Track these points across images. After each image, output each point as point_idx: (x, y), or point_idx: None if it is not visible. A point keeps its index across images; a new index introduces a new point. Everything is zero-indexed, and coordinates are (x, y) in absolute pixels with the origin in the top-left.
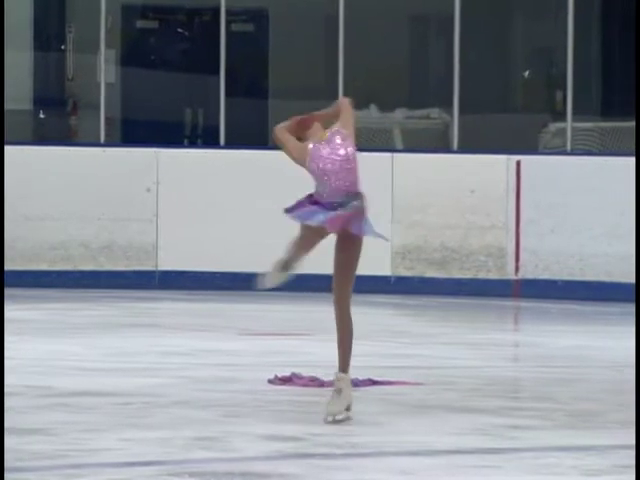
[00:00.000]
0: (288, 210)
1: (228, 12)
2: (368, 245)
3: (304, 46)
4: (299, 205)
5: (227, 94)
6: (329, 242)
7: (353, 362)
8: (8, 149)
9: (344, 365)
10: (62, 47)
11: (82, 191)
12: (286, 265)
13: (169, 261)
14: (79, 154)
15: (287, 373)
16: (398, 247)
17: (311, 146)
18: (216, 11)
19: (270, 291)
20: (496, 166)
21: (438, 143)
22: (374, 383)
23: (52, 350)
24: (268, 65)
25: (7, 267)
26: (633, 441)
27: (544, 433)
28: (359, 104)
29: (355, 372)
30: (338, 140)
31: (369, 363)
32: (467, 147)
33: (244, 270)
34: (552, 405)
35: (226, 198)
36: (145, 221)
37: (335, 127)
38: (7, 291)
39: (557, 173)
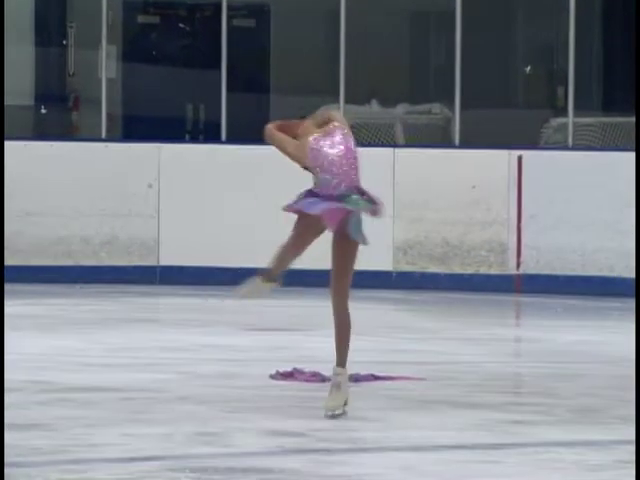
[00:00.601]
0: (289, 206)
1: (229, 7)
2: (370, 240)
3: (305, 41)
4: (299, 199)
5: (228, 89)
6: (330, 238)
7: (355, 358)
8: (10, 144)
9: (342, 360)
10: (63, 42)
11: (83, 186)
12: (270, 276)
13: (170, 256)
14: (80, 149)
15: (289, 368)
16: (399, 242)
17: (312, 139)
18: (217, 6)
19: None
20: (497, 161)
21: (439, 138)
22: (376, 378)
23: (53, 345)
24: (269, 60)
25: (8, 262)
26: (634, 437)
27: (546, 428)
28: (360, 99)
29: (357, 367)
30: (339, 135)
31: (371, 358)
32: (468, 142)
33: (246, 265)
34: (554, 400)
35: (228, 193)
36: (146, 216)
37: (335, 124)
38: (8, 286)
39: (558, 168)
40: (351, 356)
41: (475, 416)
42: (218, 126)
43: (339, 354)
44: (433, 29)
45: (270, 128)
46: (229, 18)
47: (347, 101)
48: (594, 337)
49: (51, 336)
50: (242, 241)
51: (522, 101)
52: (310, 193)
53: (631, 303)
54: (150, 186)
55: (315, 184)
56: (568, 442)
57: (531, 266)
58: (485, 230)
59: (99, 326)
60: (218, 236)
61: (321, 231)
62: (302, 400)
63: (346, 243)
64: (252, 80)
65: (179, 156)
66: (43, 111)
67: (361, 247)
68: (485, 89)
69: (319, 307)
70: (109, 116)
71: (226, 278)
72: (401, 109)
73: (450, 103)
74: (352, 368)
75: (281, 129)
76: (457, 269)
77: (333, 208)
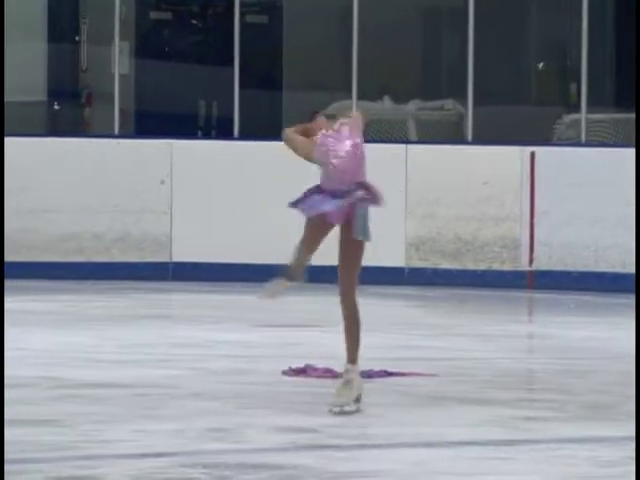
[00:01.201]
0: (293, 204)
1: (242, 3)
2: (382, 236)
3: (318, 38)
4: (304, 197)
5: (241, 86)
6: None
7: (367, 353)
8: (22, 140)
9: (352, 356)
10: (76, 38)
11: (95, 183)
12: (292, 275)
13: (183, 253)
14: (93, 145)
15: (301, 365)
16: (412, 238)
17: (320, 136)
18: (230, 2)
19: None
20: (510, 158)
21: (452, 134)
22: (388, 375)
23: (65, 342)
24: (282, 57)
25: (20, 259)
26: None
27: (558, 425)
28: (373, 95)
29: (369, 363)
30: (346, 131)
31: (383, 355)
32: (481, 138)
33: (258, 262)
34: (566, 397)
35: (240, 190)
36: (159, 213)
37: (343, 120)
38: (20, 283)
39: (571, 165)
40: (363, 352)
41: (487, 412)
42: (230, 122)
43: (349, 351)
44: (445, 25)
45: (286, 131)
46: (241, 14)
47: (359, 97)
48: (606, 333)
49: (63, 332)
50: (254, 237)
51: (535, 97)
52: (317, 189)
53: None
54: (162, 182)
55: (322, 179)
56: (580, 438)
57: (544, 262)
58: (498, 226)
59: (111, 322)
60: (230, 232)
61: (331, 227)
62: (314, 396)
63: (351, 239)
64: (264, 76)
65: (191, 152)
66: (56, 107)
67: (372, 243)
68: (498, 85)
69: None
70: (122, 112)
71: (238, 274)
72: (413, 105)
73: (462, 99)
74: (364, 364)
75: (300, 133)
76: (470, 265)
77: (335, 209)
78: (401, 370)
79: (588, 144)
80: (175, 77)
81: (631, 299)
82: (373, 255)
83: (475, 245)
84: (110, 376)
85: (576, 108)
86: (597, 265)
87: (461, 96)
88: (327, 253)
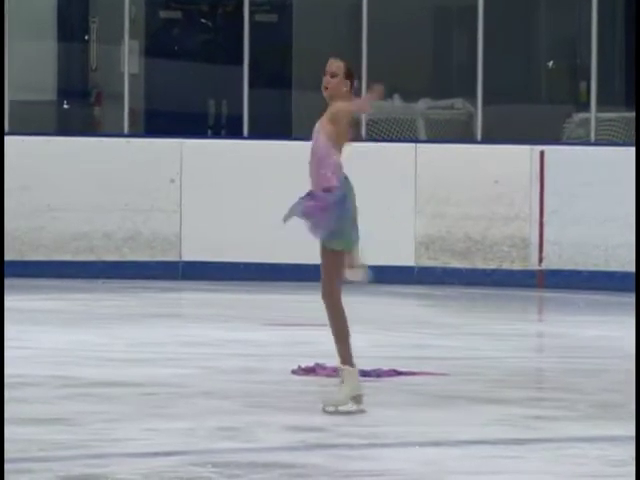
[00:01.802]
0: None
1: (251, 2)
2: (392, 235)
3: (328, 36)
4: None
5: (250, 85)
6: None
7: (377, 353)
8: (32, 140)
9: (342, 357)
10: (86, 38)
11: (106, 182)
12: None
13: (193, 252)
14: (103, 145)
15: (311, 363)
16: (422, 237)
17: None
18: (239, 1)
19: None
20: (520, 156)
21: (462, 133)
22: (398, 374)
23: (76, 340)
24: (292, 56)
25: (31, 257)
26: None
27: (568, 424)
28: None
29: (379, 362)
30: (317, 130)
31: (393, 354)
32: (491, 137)
33: (268, 261)
34: (576, 396)
35: (250, 189)
36: (169, 212)
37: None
38: (31, 282)
39: (581, 163)
40: (373, 351)
41: (497, 411)
42: (240, 121)
43: (338, 352)
44: (455, 24)
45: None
46: (251, 13)
47: None
48: (616, 332)
49: (73, 331)
50: (264, 236)
51: (544, 96)
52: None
53: None
54: (172, 181)
55: None
56: (590, 437)
57: (553, 261)
58: (507, 225)
59: (121, 321)
60: (240, 231)
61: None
62: (324, 395)
63: (322, 246)
64: (274, 75)
65: (201, 151)
66: (65, 106)
67: (382, 243)
68: (507, 84)
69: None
70: (131, 111)
71: (248, 273)
72: (423, 104)
73: (472, 98)
74: (374, 363)
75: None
76: (479, 264)
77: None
78: (411, 369)
79: (598, 143)
80: (185, 76)
81: None
82: (383, 254)
83: (485, 244)
84: (120, 375)
85: (586, 107)
86: (607, 264)
87: (471, 95)
88: None
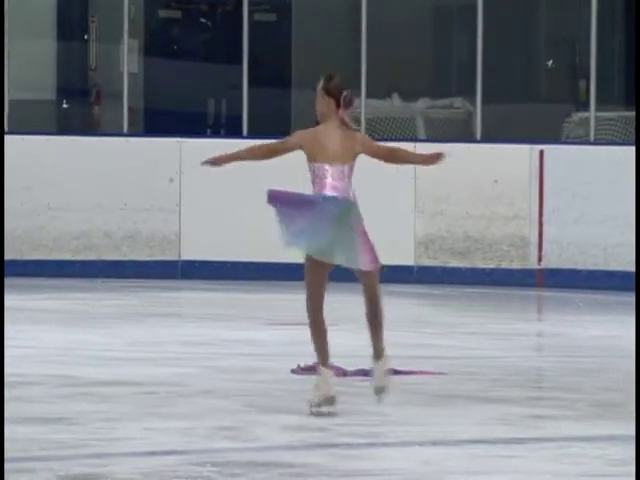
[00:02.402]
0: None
1: (251, 2)
2: (392, 235)
3: (327, 35)
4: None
5: (250, 84)
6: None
7: None
8: (32, 139)
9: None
10: (85, 37)
11: (105, 181)
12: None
13: (192, 251)
14: (102, 144)
15: (310, 363)
16: (421, 237)
17: None
18: (239, 1)
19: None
20: (519, 156)
21: (461, 132)
22: (397, 373)
23: (75, 340)
24: (291, 55)
25: (31, 257)
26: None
27: (567, 423)
28: (382, 93)
29: None
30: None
31: (391, 353)
32: (490, 137)
33: (267, 260)
34: (575, 395)
35: (249, 188)
36: (168, 211)
37: None
38: (30, 281)
39: (580, 163)
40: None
41: (496, 411)
42: (239, 121)
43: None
44: (455, 23)
45: None
46: (250, 13)
47: (368, 95)
48: (616, 332)
49: (73, 330)
50: (263, 236)
51: (544, 95)
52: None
53: None
54: (172, 180)
55: None
56: (590, 437)
57: (553, 260)
58: (507, 225)
59: (121, 320)
60: (239, 230)
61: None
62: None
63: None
64: (273, 75)
65: (200, 150)
66: (65, 106)
67: (381, 242)
68: (507, 83)
69: (341, 302)
70: (131, 110)
71: (247, 272)
72: (422, 103)
73: (472, 97)
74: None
75: None
76: (479, 263)
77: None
78: (410, 368)
79: (597, 142)
80: (184, 75)
81: None
82: (382, 253)
83: (484, 243)
84: (120, 374)
85: (585, 106)
86: (606, 263)
87: (470, 94)
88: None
